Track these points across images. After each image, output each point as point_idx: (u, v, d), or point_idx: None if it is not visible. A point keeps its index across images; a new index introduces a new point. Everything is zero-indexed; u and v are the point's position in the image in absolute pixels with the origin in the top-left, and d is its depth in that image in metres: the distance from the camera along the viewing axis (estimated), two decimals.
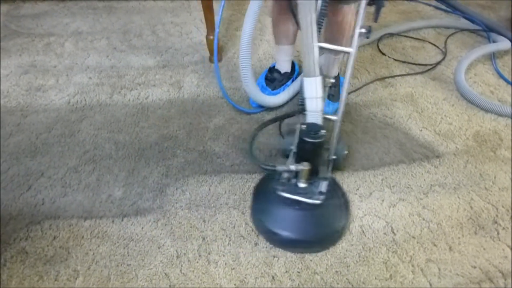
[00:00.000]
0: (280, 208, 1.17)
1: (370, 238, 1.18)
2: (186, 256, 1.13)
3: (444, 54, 1.97)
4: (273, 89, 1.64)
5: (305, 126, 1.11)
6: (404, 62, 1.92)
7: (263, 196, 1.24)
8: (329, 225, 1.17)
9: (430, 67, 1.89)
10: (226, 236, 1.18)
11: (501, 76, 1.83)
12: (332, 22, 1.44)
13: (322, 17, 1.08)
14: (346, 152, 1.34)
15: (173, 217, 1.23)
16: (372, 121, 1.58)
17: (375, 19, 1.12)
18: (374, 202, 1.28)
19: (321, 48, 1.06)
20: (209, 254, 1.14)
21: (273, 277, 1.09)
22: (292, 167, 1.12)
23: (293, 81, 1.70)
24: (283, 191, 1.15)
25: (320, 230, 1.15)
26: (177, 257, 1.13)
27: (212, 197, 1.29)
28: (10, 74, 1.75)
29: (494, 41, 2.03)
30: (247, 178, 1.34)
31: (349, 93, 1.71)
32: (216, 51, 1.43)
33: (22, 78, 1.73)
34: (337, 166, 1.36)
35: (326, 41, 1.31)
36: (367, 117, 1.60)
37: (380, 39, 2.05)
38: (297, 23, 1.09)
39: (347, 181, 1.35)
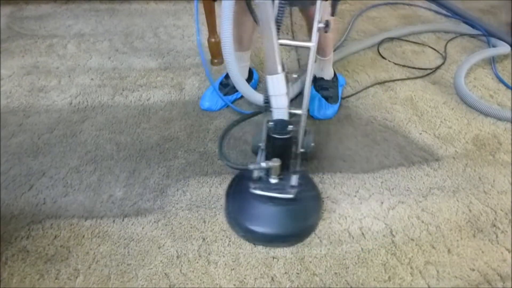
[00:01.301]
0: (255, 206, 1.18)
1: (369, 240, 1.19)
2: (186, 256, 1.14)
3: (444, 58, 1.98)
4: (224, 94, 1.63)
5: (272, 123, 1.13)
6: (404, 66, 1.93)
7: (237, 195, 1.25)
8: (304, 217, 1.19)
9: (430, 71, 1.90)
10: (226, 237, 1.19)
11: (500, 81, 1.84)
12: (308, 26, 1.44)
13: (281, 15, 1.09)
14: (313, 144, 1.35)
15: (174, 218, 1.23)
16: (372, 124, 1.59)
17: (332, 13, 1.15)
18: (373, 205, 1.29)
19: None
20: (209, 254, 1.14)
21: (272, 278, 1.09)
22: (263, 165, 1.14)
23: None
24: (256, 188, 1.17)
25: (296, 223, 1.18)
26: (177, 257, 1.13)
27: (213, 198, 1.29)
28: (13, 75, 1.76)
29: (494, 46, 2.04)
30: None
31: (349, 96, 1.72)
32: (202, 53, 1.43)
33: (24, 79, 1.74)
34: (305, 158, 1.36)
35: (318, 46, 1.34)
36: (367, 120, 1.61)
37: (380, 43, 2.07)
38: (256, 21, 1.11)
39: (347, 183, 1.35)
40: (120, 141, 1.48)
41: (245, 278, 1.09)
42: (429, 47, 2.08)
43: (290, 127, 1.12)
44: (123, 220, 1.22)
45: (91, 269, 1.10)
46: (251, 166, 1.15)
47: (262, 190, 1.16)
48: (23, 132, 1.50)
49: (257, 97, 1.55)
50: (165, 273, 1.10)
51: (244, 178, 1.23)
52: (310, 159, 1.40)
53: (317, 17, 1.12)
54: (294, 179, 1.19)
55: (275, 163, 1.13)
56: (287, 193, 1.16)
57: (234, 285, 1.08)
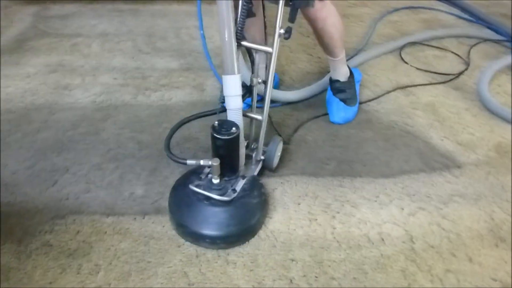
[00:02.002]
0: (190, 202, 1.18)
1: (389, 246, 1.18)
2: (205, 256, 1.15)
3: (467, 64, 1.96)
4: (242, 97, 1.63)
5: (217, 123, 1.13)
6: (426, 71, 1.91)
7: (179, 188, 1.25)
8: (237, 223, 1.17)
9: (453, 77, 1.88)
10: None
11: None
12: (314, 30, 1.45)
13: (243, 16, 1.11)
14: (278, 154, 1.35)
15: None
16: (393, 129, 1.58)
17: (291, 19, 1.15)
18: (393, 210, 1.28)
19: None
20: (228, 255, 1.15)
21: (291, 280, 1.10)
22: (201, 162, 1.14)
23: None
24: (195, 185, 1.17)
25: (226, 227, 1.16)
26: (196, 256, 1.15)
27: None
28: (38, 72, 1.80)
29: None
30: (266, 181, 1.36)
31: (369, 100, 1.72)
32: (209, 57, 1.47)
33: (50, 77, 1.78)
34: (267, 167, 1.36)
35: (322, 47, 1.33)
36: (388, 125, 1.60)
37: (402, 47, 2.05)
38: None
39: (367, 188, 1.35)
40: (142, 139, 1.50)
41: (263, 280, 1.10)
42: (452, 52, 2.06)
43: (234, 129, 1.12)
44: (143, 218, 1.24)
45: (111, 265, 1.12)
46: (189, 162, 1.16)
47: (199, 187, 1.17)
48: (48, 128, 1.53)
49: (279, 95, 1.56)
50: (184, 272, 1.11)
51: (194, 174, 1.24)
52: (274, 170, 1.38)
53: (278, 22, 1.13)
54: (239, 183, 1.20)
55: (214, 162, 1.13)
56: (224, 195, 1.16)
57: (252, 286, 1.08)
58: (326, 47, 1.52)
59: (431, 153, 1.48)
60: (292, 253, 1.16)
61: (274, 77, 1.72)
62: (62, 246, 1.16)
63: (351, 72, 1.64)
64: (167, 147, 1.21)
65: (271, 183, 1.36)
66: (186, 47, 2.01)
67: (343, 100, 1.60)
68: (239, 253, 1.16)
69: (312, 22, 1.40)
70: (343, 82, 1.60)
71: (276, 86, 1.76)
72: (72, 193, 1.31)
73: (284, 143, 1.49)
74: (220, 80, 1.59)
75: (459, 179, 1.39)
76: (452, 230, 1.23)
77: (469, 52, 2.04)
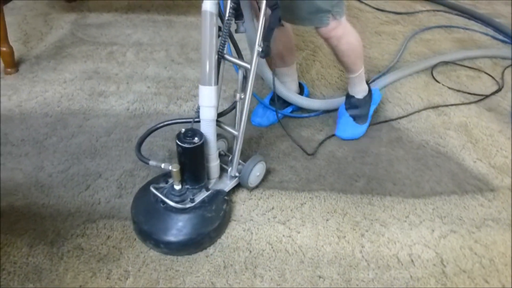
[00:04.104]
0: (148, 202, 1.21)
1: (419, 268, 1.16)
2: (232, 267, 1.15)
3: (500, 85, 1.92)
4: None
5: (183, 130, 1.15)
6: (458, 91, 1.89)
7: (144, 189, 1.27)
8: (184, 233, 1.17)
9: (484, 96, 1.84)
10: (273, 251, 1.19)
11: None
12: (330, 48, 1.47)
13: (226, 28, 1.14)
14: (257, 174, 1.34)
15: None
16: (424, 149, 1.56)
17: (275, 23, 1.17)
18: (424, 232, 1.26)
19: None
20: (255, 267, 1.15)
21: None
22: (162, 165, 1.18)
23: None
24: (155, 188, 1.20)
25: (173, 234, 1.16)
26: (224, 267, 1.15)
27: (260, 211, 1.31)
28: (75, 78, 1.86)
29: None
30: (295, 196, 1.36)
31: (400, 118, 1.70)
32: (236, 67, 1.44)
33: (86, 83, 1.83)
34: (244, 185, 1.34)
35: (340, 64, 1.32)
36: (419, 144, 1.58)
37: (434, 66, 2.03)
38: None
39: (397, 207, 1.33)
40: (172, 148, 1.52)
41: None
42: (485, 73, 2.02)
43: (197, 139, 1.14)
44: None
45: (140, 272, 1.14)
46: (151, 162, 1.21)
47: (158, 190, 1.20)
48: (83, 133, 1.57)
49: (297, 99, 1.60)
50: (212, 282, 1.11)
51: (163, 177, 1.27)
52: (250, 189, 1.36)
53: (257, 39, 1.15)
54: (199, 194, 1.21)
55: (174, 168, 1.14)
56: (179, 202, 1.17)
57: None
58: (343, 64, 1.53)
59: (464, 175, 1.46)
60: (320, 270, 1.15)
61: (303, 88, 1.74)
62: (93, 250, 1.18)
63: (369, 91, 1.62)
64: (138, 146, 1.27)
65: (299, 197, 1.35)
66: None
67: (353, 117, 1.58)
68: (267, 267, 1.15)
69: (326, 40, 1.42)
70: (359, 99, 1.59)
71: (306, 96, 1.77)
72: (104, 198, 1.34)
73: (309, 155, 1.50)
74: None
75: (492, 203, 1.36)
76: (485, 255, 1.20)
77: (503, 73, 2.01)
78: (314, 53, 2.08)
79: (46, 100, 1.73)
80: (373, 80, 1.87)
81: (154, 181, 1.28)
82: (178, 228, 1.17)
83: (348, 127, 1.58)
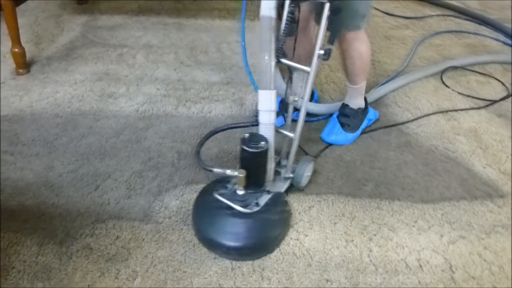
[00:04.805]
0: (212, 209, 1.19)
1: (427, 274, 1.15)
2: (240, 270, 1.15)
3: (510, 91, 1.91)
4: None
5: (247, 135, 1.14)
6: (468, 96, 1.88)
7: (203, 196, 1.27)
8: (254, 237, 1.17)
9: (493, 102, 1.83)
10: (280, 253, 1.19)
11: None
12: (340, 50, 1.47)
13: (285, 34, 1.13)
14: (308, 174, 1.34)
15: None
16: (433, 154, 1.56)
17: (331, 41, 1.16)
18: (432, 237, 1.25)
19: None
20: (262, 270, 1.15)
21: None
22: (228, 171, 1.16)
23: None
24: (219, 193, 1.18)
25: (243, 239, 1.16)
26: (232, 269, 1.15)
27: None
28: (85, 80, 1.87)
29: None
30: (303, 199, 1.36)
31: (408, 122, 1.70)
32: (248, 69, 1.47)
33: (96, 85, 1.85)
34: (296, 185, 1.34)
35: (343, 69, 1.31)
36: (428, 149, 1.58)
37: (444, 71, 2.02)
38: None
39: (405, 212, 1.33)
40: (181, 150, 1.53)
41: None
42: (495, 78, 2.01)
43: (263, 143, 1.13)
44: (181, 228, 1.25)
45: (148, 272, 1.14)
46: (216, 170, 1.18)
47: (223, 196, 1.18)
48: (92, 134, 1.59)
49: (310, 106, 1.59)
50: (219, 284, 1.11)
51: (220, 182, 1.25)
52: (302, 189, 1.37)
53: (318, 43, 1.14)
54: (263, 198, 1.20)
55: (240, 174, 1.13)
56: (246, 207, 1.16)
57: None
58: (346, 70, 1.53)
59: (473, 181, 1.45)
60: (328, 274, 1.15)
61: (313, 93, 1.74)
62: (102, 250, 1.19)
63: (366, 107, 1.61)
64: (197, 153, 1.24)
65: (307, 200, 1.35)
66: (227, 61, 2.04)
67: (342, 124, 1.57)
68: (274, 269, 1.15)
69: (339, 40, 1.41)
70: (352, 108, 1.58)
71: (316, 102, 1.77)
72: (113, 198, 1.35)
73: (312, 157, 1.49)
74: None
75: (502, 209, 1.35)
76: (494, 261, 1.19)
77: None
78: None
79: (57, 101, 1.74)
80: (383, 84, 1.88)
81: (211, 187, 1.26)
82: (247, 232, 1.17)
83: (333, 132, 1.57)
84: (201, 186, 1.38)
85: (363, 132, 1.62)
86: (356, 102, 1.58)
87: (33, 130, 1.59)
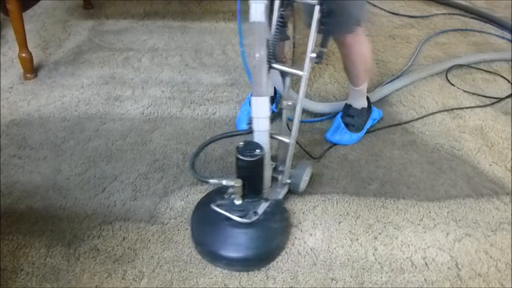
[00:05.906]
0: (211, 222, 1.18)
1: (433, 272, 1.15)
2: None
3: None
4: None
5: (242, 144, 1.13)
6: (473, 94, 1.87)
7: (201, 209, 1.25)
8: (255, 246, 1.16)
9: (498, 99, 1.82)
10: (286, 252, 1.20)
11: None
12: (341, 54, 1.47)
13: (276, 39, 1.10)
14: (306, 178, 1.32)
15: None
16: (438, 152, 1.55)
17: (323, 45, 1.13)
18: (438, 235, 1.25)
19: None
20: (267, 269, 1.16)
21: None
22: (224, 182, 1.15)
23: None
24: (216, 205, 1.17)
25: (245, 249, 1.15)
26: None
27: None
28: (92, 83, 1.90)
29: None
30: (307, 198, 1.36)
31: (413, 121, 1.70)
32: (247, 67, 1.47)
33: (102, 88, 1.87)
34: (294, 191, 1.33)
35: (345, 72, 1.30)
36: (433, 148, 1.57)
37: (449, 69, 2.01)
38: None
39: (411, 210, 1.32)
40: (187, 151, 1.55)
41: None
42: (501, 76, 2.00)
43: (258, 151, 1.12)
44: (187, 229, 1.26)
45: (155, 273, 1.15)
46: (212, 181, 1.17)
47: (220, 207, 1.17)
48: (99, 137, 1.61)
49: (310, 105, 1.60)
50: (225, 284, 1.12)
51: (218, 193, 1.24)
52: (300, 194, 1.36)
53: (310, 46, 1.12)
54: (261, 206, 1.18)
55: (236, 183, 1.12)
56: (244, 217, 1.14)
57: None
58: (348, 73, 1.53)
59: (479, 179, 1.44)
60: (333, 272, 1.15)
61: (275, 95, 1.72)
62: (109, 252, 1.20)
63: (369, 107, 1.61)
64: (192, 165, 1.23)
65: (312, 200, 1.36)
66: (232, 63, 2.06)
67: (346, 124, 1.57)
68: (279, 269, 1.16)
69: (338, 44, 1.42)
70: (355, 108, 1.58)
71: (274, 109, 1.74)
72: (119, 200, 1.36)
73: (315, 158, 1.50)
74: None
75: (508, 206, 1.34)
76: (501, 258, 1.18)
77: None
78: (327, 57, 2.09)
79: (64, 105, 1.77)
80: (387, 83, 1.87)
81: (208, 199, 1.26)
82: (248, 243, 1.16)
83: (338, 132, 1.57)
84: (205, 187, 1.39)
85: (367, 132, 1.62)
86: (359, 102, 1.59)
87: (40, 133, 1.62)
